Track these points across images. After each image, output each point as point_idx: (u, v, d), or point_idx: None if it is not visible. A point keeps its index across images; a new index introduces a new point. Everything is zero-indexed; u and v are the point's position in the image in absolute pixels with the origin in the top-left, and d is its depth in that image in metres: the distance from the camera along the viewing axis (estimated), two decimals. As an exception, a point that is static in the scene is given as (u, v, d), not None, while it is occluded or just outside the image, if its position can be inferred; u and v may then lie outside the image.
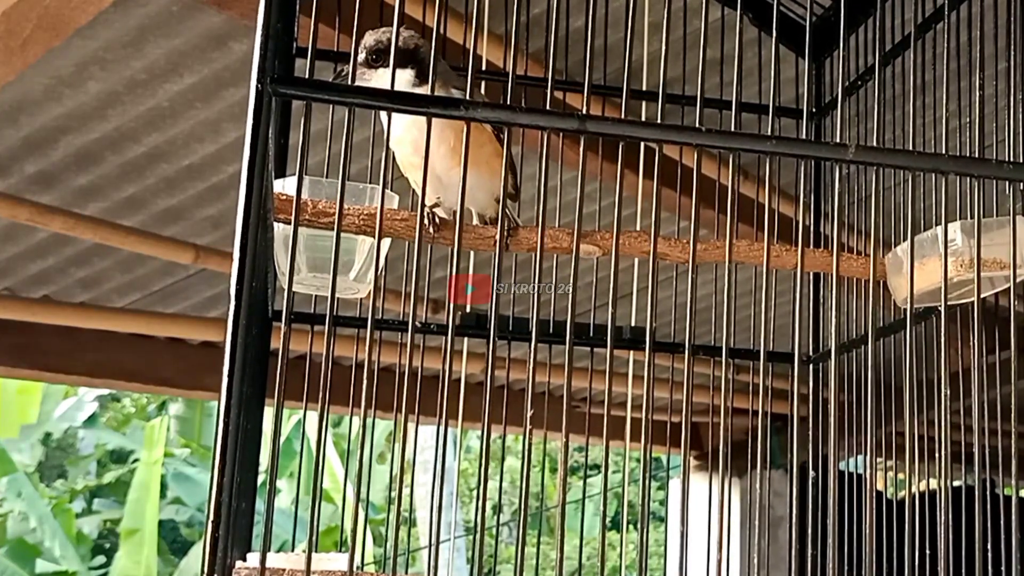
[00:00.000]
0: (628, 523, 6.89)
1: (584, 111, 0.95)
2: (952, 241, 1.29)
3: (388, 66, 1.16)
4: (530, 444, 0.95)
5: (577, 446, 7.00)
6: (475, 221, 1.45)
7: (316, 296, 1.53)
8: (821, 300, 1.83)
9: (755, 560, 1.73)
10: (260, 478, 1.49)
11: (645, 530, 1.03)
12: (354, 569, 0.88)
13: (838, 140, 1.04)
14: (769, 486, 1.73)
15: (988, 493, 1.06)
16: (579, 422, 3.00)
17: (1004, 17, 1.50)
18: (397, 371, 1.45)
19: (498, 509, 2.26)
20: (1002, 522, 1.36)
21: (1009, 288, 1.30)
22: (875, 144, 1.17)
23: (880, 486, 3.90)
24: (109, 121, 2.58)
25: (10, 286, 3.30)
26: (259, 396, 1.29)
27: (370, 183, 1.31)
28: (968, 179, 1.17)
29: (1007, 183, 1.18)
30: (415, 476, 6.14)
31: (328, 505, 9.05)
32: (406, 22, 1.57)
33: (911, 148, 1.06)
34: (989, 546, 1.20)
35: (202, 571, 0.77)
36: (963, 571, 1.14)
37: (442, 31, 1.71)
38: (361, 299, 1.48)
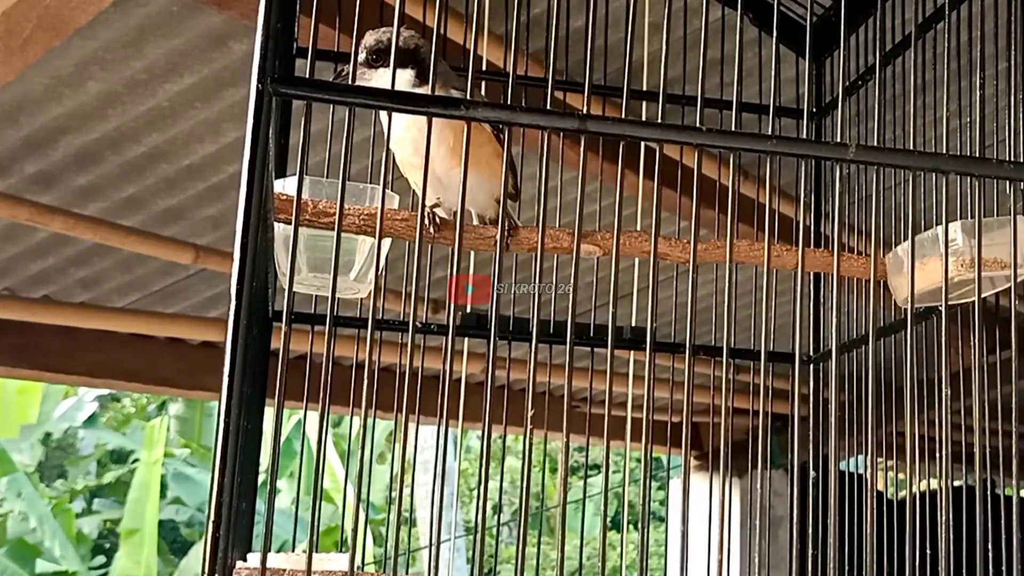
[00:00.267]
0: (628, 523, 6.89)
1: (584, 111, 0.95)
2: (952, 241, 1.29)
3: (388, 66, 1.15)
4: (530, 444, 0.95)
5: (577, 446, 7.00)
6: (475, 221, 1.45)
7: (316, 296, 1.53)
8: (821, 300, 1.83)
9: (755, 560, 1.73)
10: (260, 478, 1.49)
11: (645, 530, 1.03)
12: (354, 569, 0.88)
13: (838, 140, 1.04)
14: (769, 486, 1.73)
15: (989, 493, 1.06)
16: (580, 422, 2.99)
17: (1004, 17, 1.50)
18: (397, 371, 1.45)
19: (498, 509, 2.26)
20: (1003, 522, 1.36)
21: (1009, 288, 1.30)
22: (875, 144, 1.17)
23: (881, 486, 3.90)
24: (109, 121, 2.58)
25: (10, 286, 3.30)
26: (259, 396, 1.29)
27: (370, 183, 1.31)
28: (968, 179, 1.17)
29: (1007, 183, 1.18)
30: (415, 476, 6.14)
31: (328, 505, 9.06)
32: (406, 22, 1.57)
33: (911, 148, 1.06)
34: (990, 546, 1.20)
35: (202, 571, 0.78)
36: (964, 571, 1.14)
37: (442, 31, 1.71)
38: (361, 299, 1.48)
